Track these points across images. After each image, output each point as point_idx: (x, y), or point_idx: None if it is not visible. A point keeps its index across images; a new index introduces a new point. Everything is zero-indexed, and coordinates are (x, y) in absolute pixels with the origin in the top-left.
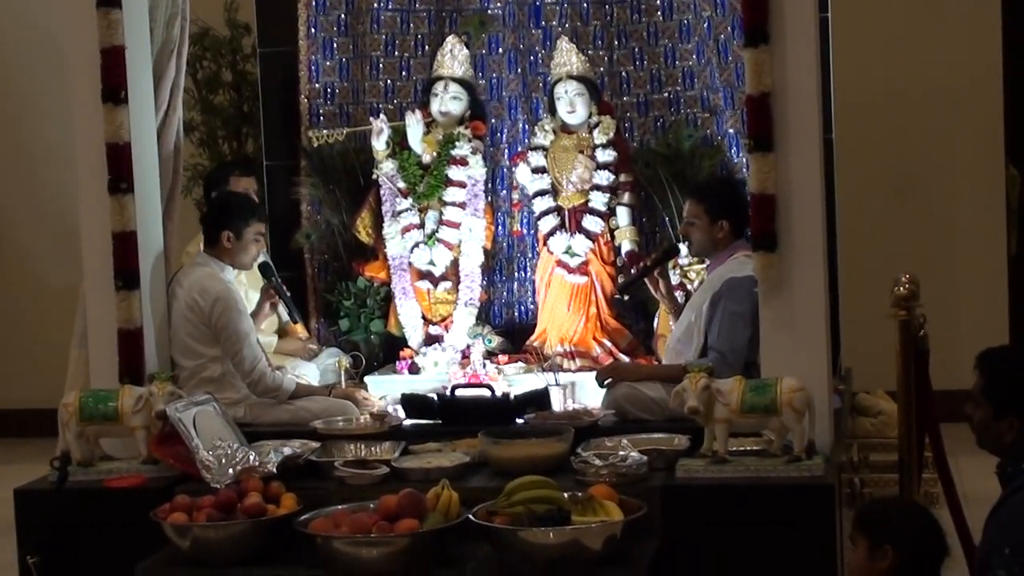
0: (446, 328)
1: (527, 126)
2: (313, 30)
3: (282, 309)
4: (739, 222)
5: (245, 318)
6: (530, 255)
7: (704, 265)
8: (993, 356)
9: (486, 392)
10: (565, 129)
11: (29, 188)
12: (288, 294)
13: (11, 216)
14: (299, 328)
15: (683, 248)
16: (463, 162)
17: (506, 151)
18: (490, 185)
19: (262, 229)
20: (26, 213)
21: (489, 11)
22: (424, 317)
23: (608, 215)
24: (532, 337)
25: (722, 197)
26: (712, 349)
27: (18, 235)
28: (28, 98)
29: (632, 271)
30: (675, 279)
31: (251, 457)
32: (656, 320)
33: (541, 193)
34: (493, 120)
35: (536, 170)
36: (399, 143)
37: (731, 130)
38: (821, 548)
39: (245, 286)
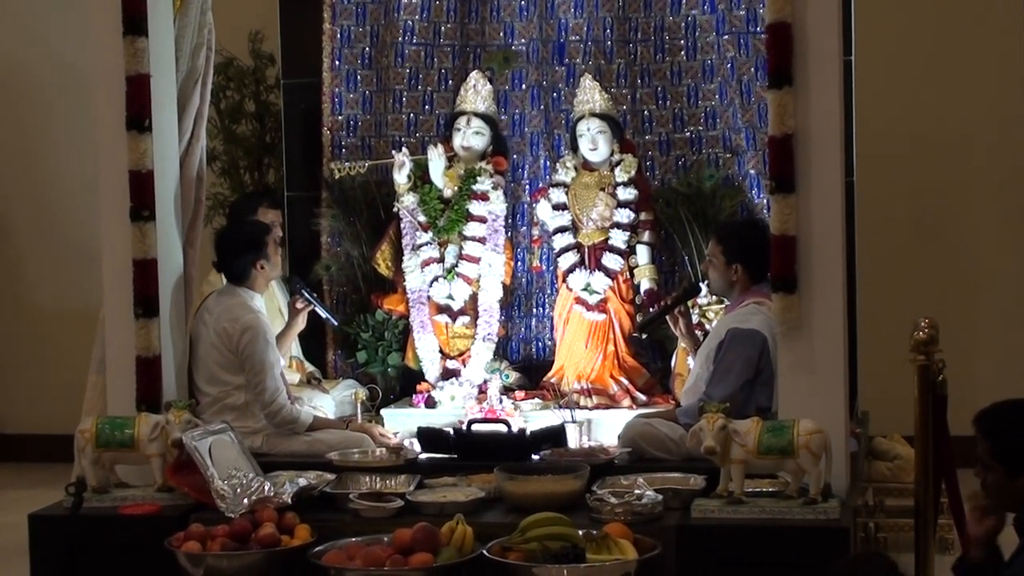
0: (463, 363)
1: (549, 162)
2: (337, 62)
3: (320, 310)
4: (755, 268)
5: (272, 350)
6: (549, 291)
7: (723, 305)
8: (991, 417)
9: (502, 427)
10: (587, 166)
11: (47, 214)
12: (316, 295)
13: (29, 242)
14: (296, 365)
15: (703, 287)
16: (484, 197)
17: (527, 187)
18: (510, 221)
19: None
20: (44, 239)
21: (513, 47)
22: (442, 351)
23: (628, 253)
24: (549, 373)
25: (741, 241)
26: (704, 393)
27: (36, 261)
28: (46, 125)
29: (652, 309)
30: (694, 319)
31: (266, 487)
32: (674, 359)
33: (561, 230)
34: (515, 156)
35: (557, 207)
36: (420, 177)
37: (752, 171)
38: None
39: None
